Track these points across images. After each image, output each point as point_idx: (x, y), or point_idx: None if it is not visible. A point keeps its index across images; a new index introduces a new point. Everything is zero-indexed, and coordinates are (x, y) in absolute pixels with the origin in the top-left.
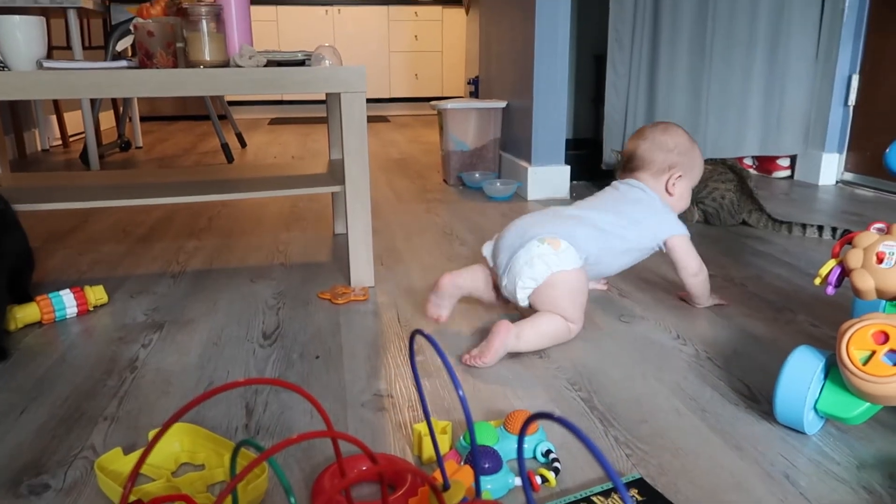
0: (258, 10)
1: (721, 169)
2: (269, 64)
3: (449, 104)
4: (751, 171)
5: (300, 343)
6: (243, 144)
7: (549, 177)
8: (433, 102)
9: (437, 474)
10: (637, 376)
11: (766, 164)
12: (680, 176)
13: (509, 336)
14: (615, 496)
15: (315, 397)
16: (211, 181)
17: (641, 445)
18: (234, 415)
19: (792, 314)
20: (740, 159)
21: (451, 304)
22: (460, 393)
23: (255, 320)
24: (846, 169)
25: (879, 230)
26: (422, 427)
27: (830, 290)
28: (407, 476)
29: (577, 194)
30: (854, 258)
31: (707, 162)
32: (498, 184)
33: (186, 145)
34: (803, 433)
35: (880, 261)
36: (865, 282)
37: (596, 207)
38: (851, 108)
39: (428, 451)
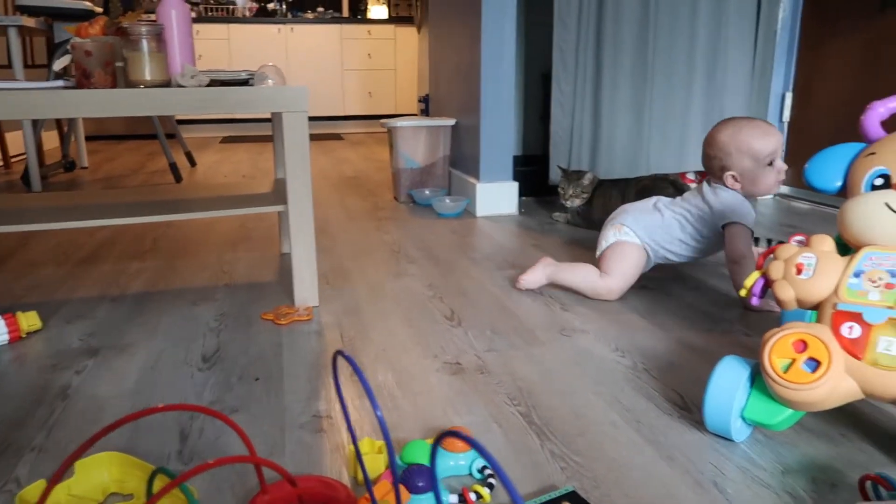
0: (209, 28)
1: (662, 185)
2: (213, 83)
3: (398, 122)
4: (693, 185)
5: (240, 365)
6: (193, 164)
7: (497, 193)
8: (383, 120)
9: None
10: (576, 390)
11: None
12: (733, 175)
13: (549, 265)
14: None
15: (253, 420)
16: (153, 202)
17: (576, 458)
18: (168, 442)
19: (728, 325)
20: (683, 174)
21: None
22: (378, 414)
23: (194, 343)
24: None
25: (799, 242)
26: (359, 446)
27: (755, 300)
28: (339, 495)
29: (525, 210)
30: (775, 270)
31: (648, 178)
32: (447, 201)
33: (134, 165)
34: (732, 441)
35: (799, 272)
36: (786, 292)
37: (677, 203)
38: (786, 124)
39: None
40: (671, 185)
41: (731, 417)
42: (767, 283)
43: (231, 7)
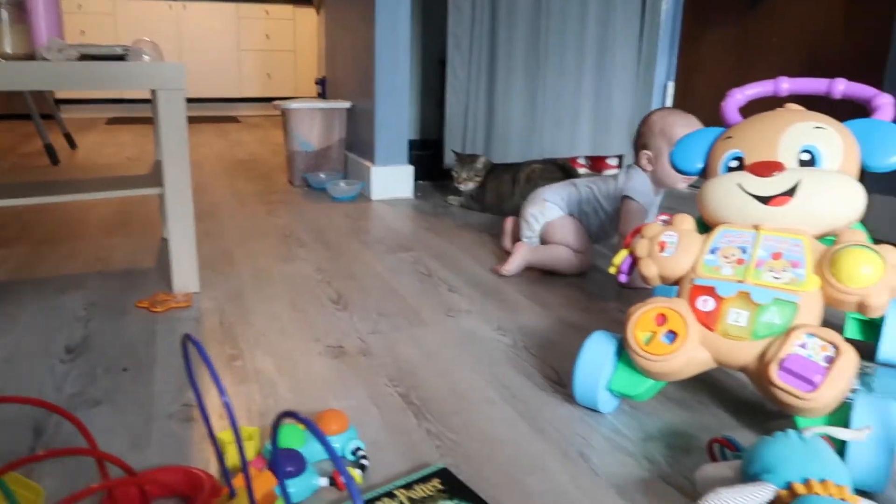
0: (92, 2)
1: (551, 168)
2: (84, 58)
3: (293, 104)
4: (583, 169)
5: (108, 356)
6: (73, 145)
7: (392, 177)
8: (276, 102)
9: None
10: (456, 369)
11: (597, 163)
12: (648, 154)
13: (524, 251)
14: (417, 487)
15: (117, 412)
16: (16, 184)
17: (451, 436)
18: (21, 438)
19: (604, 303)
20: (574, 159)
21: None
22: (225, 399)
23: (58, 334)
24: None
25: (664, 222)
26: (225, 435)
27: (623, 277)
28: (203, 485)
29: (421, 194)
30: (641, 248)
31: (539, 163)
32: (342, 184)
33: (4, 146)
34: (600, 412)
35: (662, 249)
36: (649, 269)
37: (593, 180)
38: None
39: (232, 458)
40: (560, 170)
41: (598, 390)
42: (635, 261)
43: None
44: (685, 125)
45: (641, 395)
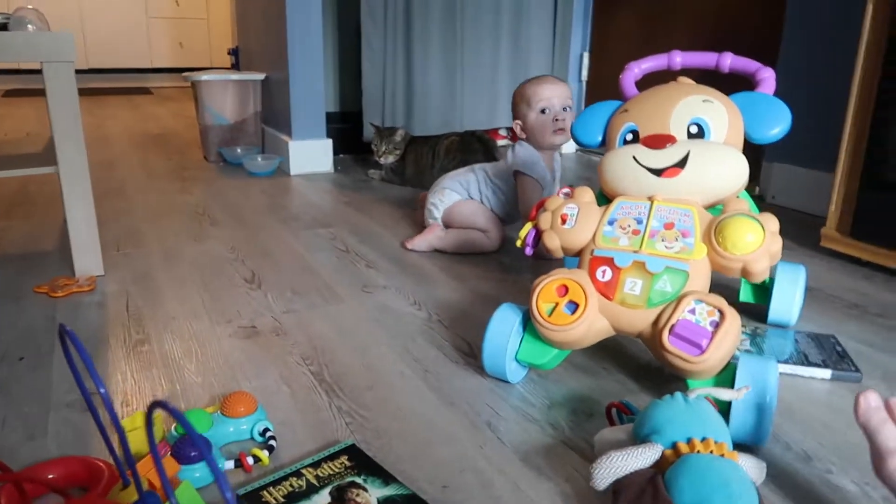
0: None
1: (470, 140)
2: None
3: (203, 76)
4: (504, 141)
5: (3, 344)
6: None
7: (310, 151)
8: (186, 74)
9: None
10: (370, 345)
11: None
12: (519, 123)
13: (437, 233)
14: (325, 465)
15: (12, 402)
16: None
17: (363, 412)
18: None
19: (517, 274)
20: (494, 131)
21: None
22: (102, 391)
23: None
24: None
25: (566, 195)
26: (126, 423)
27: (528, 250)
28: (102, 475)
29: (341, 168)
30: (544, 220)
31: (456, 135)
32: (259, 159)
33: None
34: (509, 382)
35: (564, 222)
36: (552, 241)
37: (489, 164)
38: (584, 83)
39: (135, 446)
40: (478, 141)
41: (506, 361)
42: (538, 233)
43: None
44: (538, 83)
45: (547, 363)
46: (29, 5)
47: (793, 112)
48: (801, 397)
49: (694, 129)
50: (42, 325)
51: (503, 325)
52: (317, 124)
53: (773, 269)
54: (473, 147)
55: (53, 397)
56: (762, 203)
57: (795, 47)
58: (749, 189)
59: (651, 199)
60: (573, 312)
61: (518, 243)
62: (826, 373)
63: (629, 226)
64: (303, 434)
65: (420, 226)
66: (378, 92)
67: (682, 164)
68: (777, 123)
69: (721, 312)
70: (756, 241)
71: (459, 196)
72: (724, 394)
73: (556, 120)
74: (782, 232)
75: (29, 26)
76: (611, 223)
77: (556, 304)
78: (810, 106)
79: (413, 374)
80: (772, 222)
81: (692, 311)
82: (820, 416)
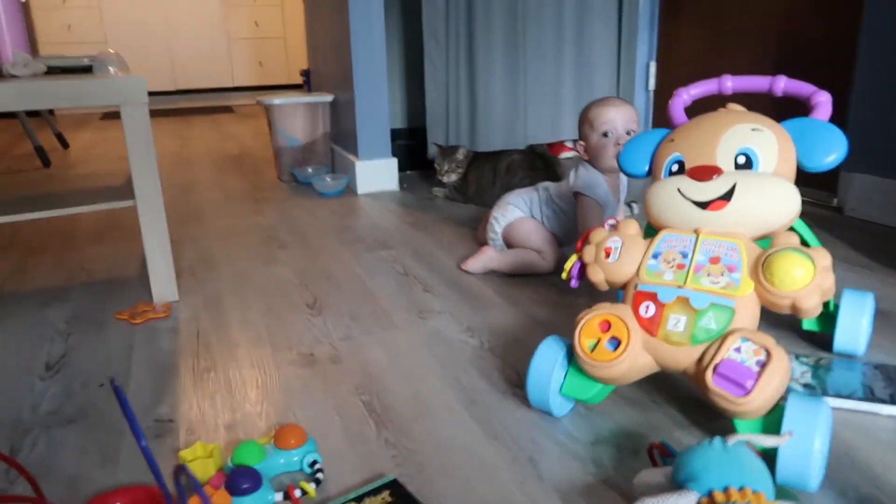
0: None
1: (530, 157)
2: (52, 71)
3: (276, 100)
4: (570, 153)
5: (85, 371)
6: (65, 145)
7: (376, 170)
8: (259, 98)
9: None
10: (421, 374)
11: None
12: (582, 143)
13: (490, 255)
14: (367, 500)
15: (90, 430)
16: None
17: (409, 444)
18: None
19: (574, 298)
20: (560, 144)
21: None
22: (142, 445)
23: (39, 350)
24: None
25: (612, 226)
26: (187, 453)
27: (574, 282)
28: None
29: (407, 185)
30: (588, 253)
31: (517, 152)
32: (328, 179)
33: (0, 148)
34: (555, 416)
35: (608, 255)
36: (597, 275)
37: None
38: (652, 93)
39: (198, 474)
40: (539, 158)
41: (550, 394)
42: (583, 266)
43: None
44: (602, 105)
45: (592, 398)
46: (111, 49)
47: (868, 122)
48: (863, 436)
49: (742, 160)
50: (120, 352)
51: (547, 360)
52: (382, 144)
53: (838, 296)
54: (535, 164)
55: (127, 425)
56: (840, 216)
57: (877, 43)
58: (826, 200)
59: (697, 231)
60: (616, 349)
61: (563, 275)
62: (892, 409)
63: (674, 259)
64: (351, 465)
65: (481, 244)
66: (441, 110)
67: (728, 196)
68: (831, 151)
69: (768, 352)
70: (806, 276)
71: (521, 213)
72: (765, 440)
73: (619, 143)
74: (860, 247)
75: (110, 68)
76: (655, 257)
77: (599, 339)
78: (891, 111)
79: (460, 404)
80: (823, 257)
81: (737, 350)
82: (881, 458)
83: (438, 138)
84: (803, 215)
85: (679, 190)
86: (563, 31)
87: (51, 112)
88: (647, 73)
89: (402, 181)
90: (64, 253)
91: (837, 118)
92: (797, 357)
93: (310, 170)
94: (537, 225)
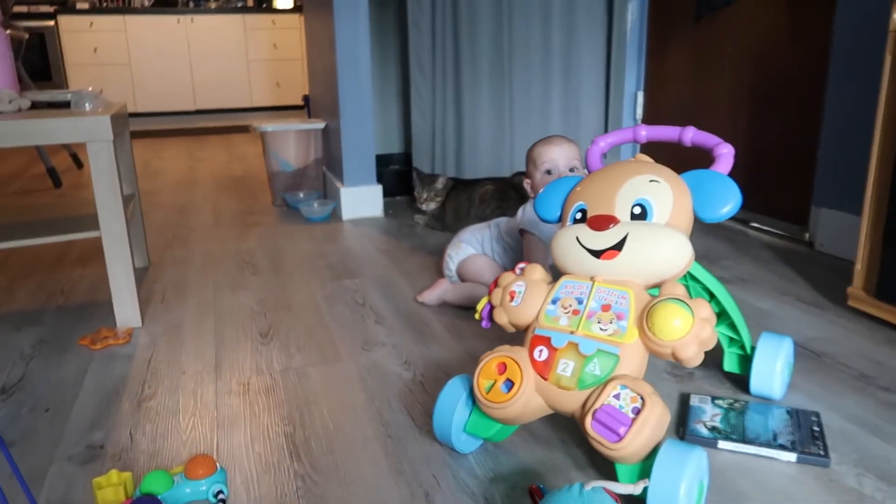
0: (103, 20)
1: (504, 187)
2: (36, 105)
3: (269, 127)
4: None
5: (37, 395)
6: (79, 165)
7: (361, 196)
8: (253, 125)
9: None
10: (347, 407)
11: None
12: (528, 181)
13: (445, 287)
14: None
15: (26, 453)
16: None
17: (316, 477)
18: None
19: (518, 335)
20: None
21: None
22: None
23: (0, 373)
24: None
25: (521, 269)
26: (101, 480)
27: (485, 323)
28: None
29: (392, 211)
30: (495, 296)
31: (491, 181)
32: (315, 205)
33: (18, 168)
34: (460, 452)
35: (512, 298)
36: (501, 317)
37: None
38: (639, 122)
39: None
40: (513, 189)
41: (453, 431)
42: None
43: None
44: (546, 144)
45: (494, 436)
46: (90, 87)
47: (838, 157)
48: (757, 483)
49: (637, 210)
50: (74, 378)
51: (451, 398)
52: (367, 171)
53: (756, 338)
54: (508, 194)
55: (60, 449)
56: (810, 250)
57: (843, 78)
58: (798, 234)
59: (593, 279)
60: (509, 390)
61: (476, 316)
62: (791, 456)
63: (570, 305)
64: (256, 497)
65: (442, 275)
66: (427, 138)
67: (619, 246)
68: (725, 203)
69: (643, 399)
70: (683, 327)
71: (473, 250)
72: (619, 487)
73: None
74: (819, 285)
75: (87, 104)
76: (554, 302)
77: (495, 381)
78: (861, 147)
79: (375, 438)
80: (702, 309)
81: (616, 397)
82: None
83: (424, 166)
84: (775, 248)
85: (577, 238)
86: (551, 60)
87: None
88: (634, 102)
89: (389, 207)
90: (51, 275)
91: (808, 153)
92: (713, 399)
93: (301, 195)
94: (489, 261)
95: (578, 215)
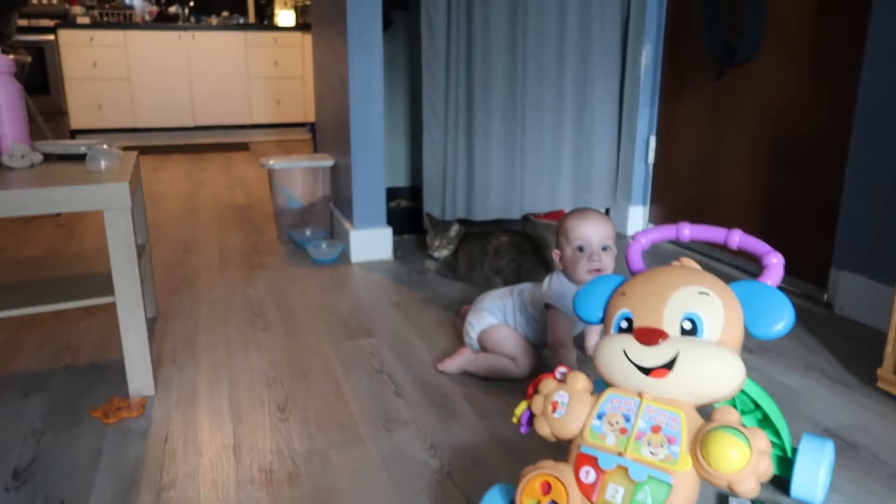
0: (104, 35)
1: (520, 240)
2: (49, 158)
3: (277, 164)
4: None
5: (51, 482)
6: None
7: (371, 239)
8: (262, 160)
9: None
10: (373, 500)
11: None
12: (558, 253)
13: (466, 356)
14: None
15: None
16: None
17: None
18: None
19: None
20: (561, 211)
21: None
22: None
23: (11, 453)
24: (650, 220)
25: (563, 374)
26: None
27: (524, 429)
28: None
29: (401, 253)
30: (535, 404)
31: (507, 233)
32: (323, 246)
33: None
34: None
35: (554, 409)
36: (543, 429)
37: (529, 286)
38: (651, 166)
39: None
40: (528, 241)
41: None
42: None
43: (129, 12)
44: (580, 219)
45: None
46: (105, 144)
47: (860, 221)
48: None
49: (687, 325)
50: (87, 460)
51: None
52: (377, 213)
53: (797, 440)
54: (523, 247)
55: None
56: (829, 313)
57: (869, 141)
58: (817, 295)
59: (641, 395)
60: None
61: (514, 420)
62: None
63: (617, 423)
64: None
65: (460, 337)
66: (439, 181)
67: (670, 365)
68: (778, 321)
69: None
70: (741, 459)
71: (495, 319)
72: None
73: (592, 259)
74: (844, 356)
75: (102, 162)
76: (600, 417)
77: (539, 501)
78: (887, 211)
79: None
80: (760, 440)
81: None
82: None
83: (435, 208)
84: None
85: (625, 352)
86: (564, 102)
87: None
88: (646, 146)
89: (398, 247)
90: (56, 326)
91: (828, 212)
92: (754, 502)
93: (308, 232)
94: (511, 332)
95: (624, 323)
